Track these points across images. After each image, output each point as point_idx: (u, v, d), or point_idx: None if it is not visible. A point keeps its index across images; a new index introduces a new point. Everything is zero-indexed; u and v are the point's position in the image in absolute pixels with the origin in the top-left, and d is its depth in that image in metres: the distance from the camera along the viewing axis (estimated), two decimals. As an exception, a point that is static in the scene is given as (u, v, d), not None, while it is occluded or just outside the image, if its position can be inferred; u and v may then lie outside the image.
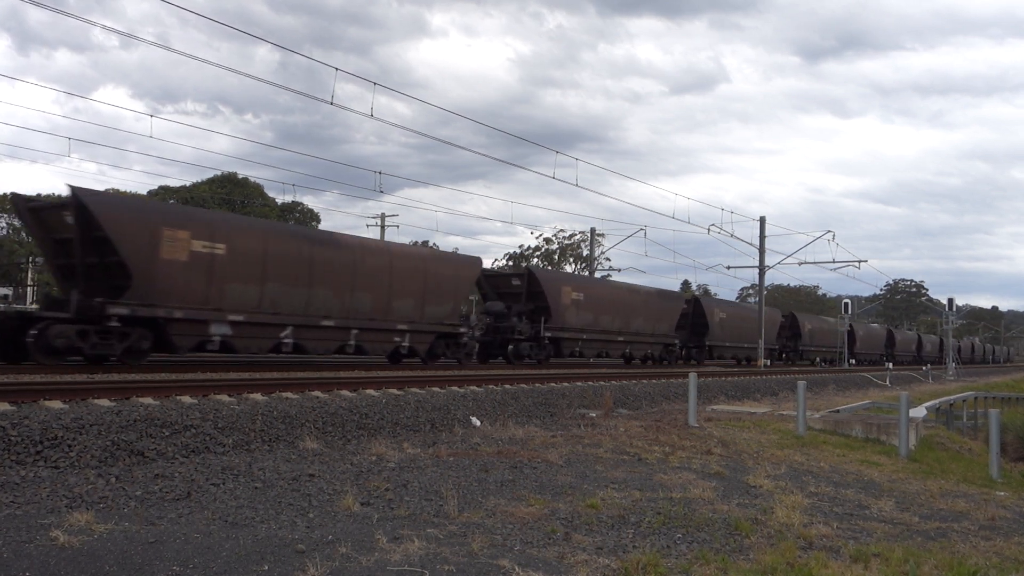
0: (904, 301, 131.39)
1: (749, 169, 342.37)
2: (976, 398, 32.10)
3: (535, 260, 64.67)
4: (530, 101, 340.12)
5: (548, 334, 27.26)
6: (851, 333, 54.25)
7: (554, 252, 65.37)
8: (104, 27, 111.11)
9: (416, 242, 60.75)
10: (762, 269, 40.30)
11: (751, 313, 42.79)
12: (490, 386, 15.89)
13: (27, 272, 39.34)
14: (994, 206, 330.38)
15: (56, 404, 9.40)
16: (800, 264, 42.26)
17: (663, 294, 36.22)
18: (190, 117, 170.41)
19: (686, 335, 38.11)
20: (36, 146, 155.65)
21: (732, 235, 41.04)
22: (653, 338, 33.90)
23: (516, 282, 27.91)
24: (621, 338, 31.59)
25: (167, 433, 9.03)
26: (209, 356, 19.11)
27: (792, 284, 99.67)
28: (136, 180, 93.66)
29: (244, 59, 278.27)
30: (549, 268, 30.63)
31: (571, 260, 65.66)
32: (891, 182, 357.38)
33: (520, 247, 66.72)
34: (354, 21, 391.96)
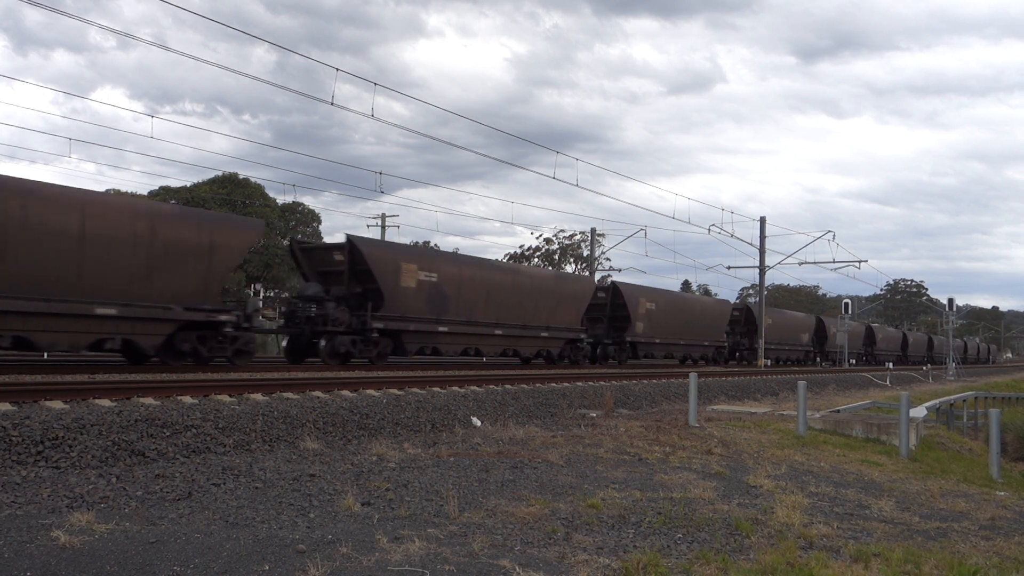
0: (904, 301, 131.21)
1: (744, 169, 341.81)
2: (976, 398, 32.08)
3: (536, 260, 64.60)
4: (527, 101, 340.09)
5: (629, 339, 31.56)
6: (871, 335, 59.82)
7: (554, 252, 65.26)
8: (101, 27, 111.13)
9: (416, 242, 60.74)
10: (762, 269, 40.28)
11: (792, 319, 48.30)
12: (490, 386, 15.90)
13: None
14: (990, 206, 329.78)
15: (57, 404, 9.40)
16: (800, 264, 42.45)
17: (715, 302, 41.97)
18: (188, 117, 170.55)
19: (738, 338, 42.99)
20: (35, 146, 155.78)
21: (732, 235, 41.03)
22: (708, 341, 37.96)
23: (601, 295, 31.52)
24: (683, 341, 35.58)
25: (168, 433, 9.04)
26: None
27: (792, 284, 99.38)
28: (135, 180, 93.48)
29: (241, 59, 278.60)
30: (631, 283, 34.41)
31: (571, 260, 65.58)
32: (887, 182, 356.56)
33: (520, 247, 66.63)
34: (350, 21, 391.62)
